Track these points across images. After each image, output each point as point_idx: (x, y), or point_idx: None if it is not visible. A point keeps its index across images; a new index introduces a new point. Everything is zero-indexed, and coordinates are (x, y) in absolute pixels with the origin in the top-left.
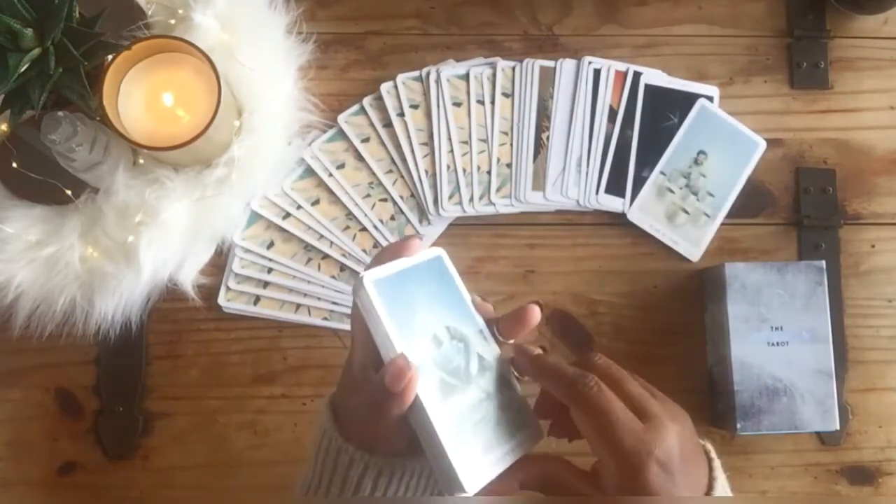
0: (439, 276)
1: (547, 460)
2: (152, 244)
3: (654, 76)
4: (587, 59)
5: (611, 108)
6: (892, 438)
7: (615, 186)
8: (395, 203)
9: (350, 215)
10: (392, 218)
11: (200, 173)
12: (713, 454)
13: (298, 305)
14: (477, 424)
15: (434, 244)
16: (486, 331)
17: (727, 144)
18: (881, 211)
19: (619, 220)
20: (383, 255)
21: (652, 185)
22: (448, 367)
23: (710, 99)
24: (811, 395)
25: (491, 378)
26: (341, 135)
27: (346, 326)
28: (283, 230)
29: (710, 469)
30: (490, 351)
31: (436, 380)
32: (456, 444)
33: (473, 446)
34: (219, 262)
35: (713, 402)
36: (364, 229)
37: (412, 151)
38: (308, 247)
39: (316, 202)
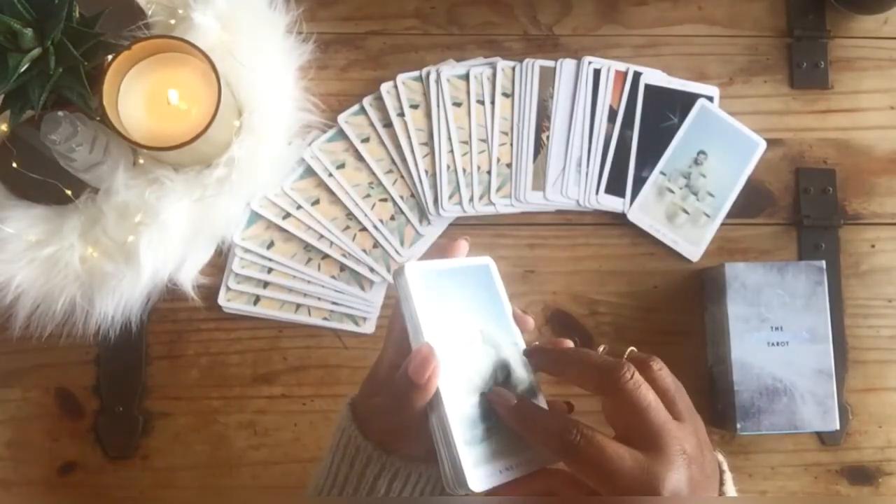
0: (483, 282)
1: (554, 476)
2: (152, 244)
3: (654, 76)
4: (587, 59)
5: (611, 108)
6: (892, 438)
7: (615, 186)
8: (395, 203)
9: (350, 215)
10: (392, 218)
11: (200, 173)
12: (725, 466)
13: (298, 305)
14: (490, 429)
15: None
16: (522, 345)
17: (727, 144)
18: (881, 211)
19: (619, 220)
20: (431, 251)
21: (652, 185)
22: (474, 369)
23: (710, 99)
24: (811, 395)
25: (517, 387)
26: (341, 135)
27: (346, 326)
28: (283, 230)
29: (721, 483)
30: (521, 363)
31: (459, 377)
32: (467, 442)
33: (484, 448)
34: (219, 262)
35: (713, 402)
36: (364, 229)
37: (412, 151)
38: (308, 247)
39: (316, 202)
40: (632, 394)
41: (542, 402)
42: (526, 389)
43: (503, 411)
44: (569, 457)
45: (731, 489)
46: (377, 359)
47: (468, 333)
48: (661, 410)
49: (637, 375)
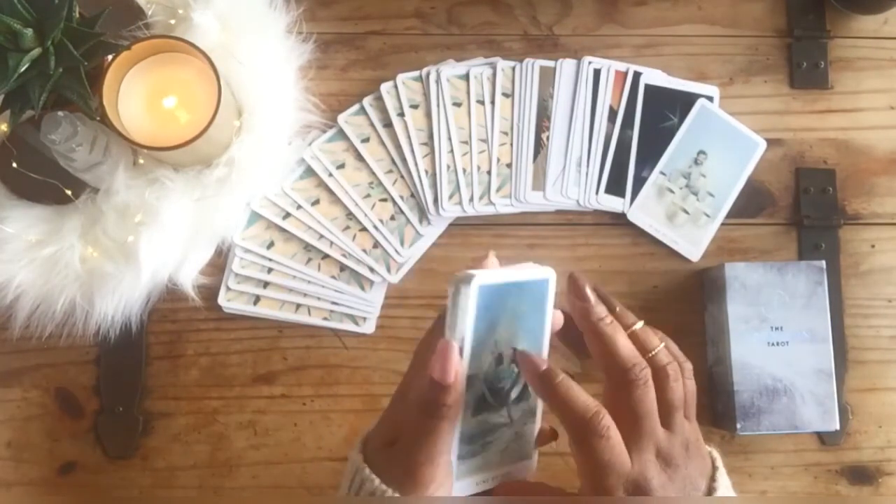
0: (535, 298)
1: (533, 489)
2: (152, 244)
3: (654, 76)
4: (587, 59)
5: (611, 108)
6: (892, 438)
7: (615, 186)
8: (395, 203)
9: (350, 215)
10: (392, 218)
11: (200, 173)
12: (719, 462)
13: (298, 305)
14: (486, 445)
15: (434, 244)
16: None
17: (727, 144)
18: (881, 211)
19: (619, 220)
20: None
21: (652, 185)
22: (494, 386)
23: (710, 99)
24: (811, 395)
25: (523, 408)
26: (341, 135)
27: (346, 326)
28: (283, 230)
29: (712, 479)
30: None
31: (478, 394)
32: (460, 456)
33: (472, 463)
34: (219, 262)
35: (713, 402)
36: (364, 229)
37: (412, 151)
38: (308, 247)
39: (316, 202)
40: (596, 454)
41: (538, 419)
42: (529, 408)
43: (529, 376)
44: (576, 439)
45: (723, 485)
46: (399, 390)
47: (502, 352)
48: (619, 463)
49: (610, 431)
